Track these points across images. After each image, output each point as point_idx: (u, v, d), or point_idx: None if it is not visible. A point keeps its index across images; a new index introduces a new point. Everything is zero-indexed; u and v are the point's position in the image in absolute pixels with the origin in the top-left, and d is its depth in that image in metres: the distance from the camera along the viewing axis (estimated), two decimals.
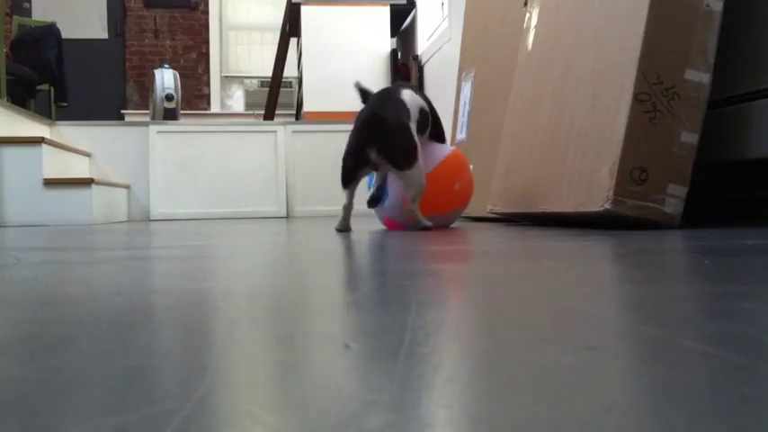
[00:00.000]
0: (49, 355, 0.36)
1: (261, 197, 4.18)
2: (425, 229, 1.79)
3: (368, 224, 2.34)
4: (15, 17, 5.05)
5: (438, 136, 2.00)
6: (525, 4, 2.32)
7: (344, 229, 1.82)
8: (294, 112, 5.97)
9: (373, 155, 1.71)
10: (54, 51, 4.65)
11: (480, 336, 0.39)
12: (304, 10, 4.69)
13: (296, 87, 6.20)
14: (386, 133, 1.71)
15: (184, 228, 2.49)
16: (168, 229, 2.42)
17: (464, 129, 2.94)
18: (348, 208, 1.83)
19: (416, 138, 1.76)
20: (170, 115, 4.76)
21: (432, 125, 1.95)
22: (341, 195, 1.82)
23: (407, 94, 1.82)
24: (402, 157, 1.73)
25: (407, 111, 1.78)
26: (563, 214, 1.72)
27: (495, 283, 0.63)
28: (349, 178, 1.77)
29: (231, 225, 2.66)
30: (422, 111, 1.86)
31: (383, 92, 1.84)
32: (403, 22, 5.35)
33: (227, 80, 7.16)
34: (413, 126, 1.77)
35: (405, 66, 5.04)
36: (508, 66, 2.49)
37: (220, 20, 7.11)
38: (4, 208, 3.16)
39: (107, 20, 6.71)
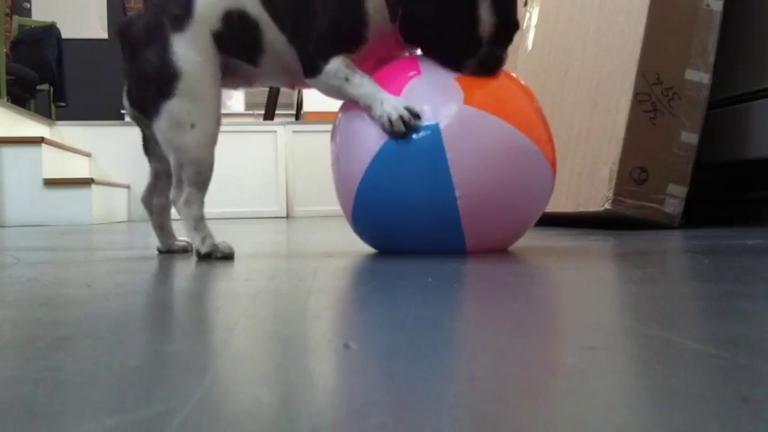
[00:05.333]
0: (48, 355, 0.36)
1: (261, 197, 4.18)
2: (211, 256, 0.98)
3: None
4: (15, 17, 5.05)
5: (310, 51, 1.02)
6: (525, 3, 2.31)
7: (165, 248, 1.10)
8: (294, 112, 5.97)
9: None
10: (54, 51, 4.65)
11: (480, 335, 0.39)
12: None
13: None
14: (127, 55, 0.97)
15: None
16: None
17: None
18: (144, 201, 1.12)
19: (180, 56, 0.92)
20: None
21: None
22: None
23: None
24: (142, 91, 0.96)
25: (182, 7, 0.95)
26: (563, 214, 1.72)
27: (495, 283, 0.63)
28: (144, 144, 1.07)
29: (231, 225, 2.66)
30: (235, 14, 0.95)
31: None
32: None
33: None
34: (186, 37, 0.94)
35: None
36: (508, 66, 2.48)
37: None
38: (4, 208, 3.16)
39: (107, 20, 6.70)
